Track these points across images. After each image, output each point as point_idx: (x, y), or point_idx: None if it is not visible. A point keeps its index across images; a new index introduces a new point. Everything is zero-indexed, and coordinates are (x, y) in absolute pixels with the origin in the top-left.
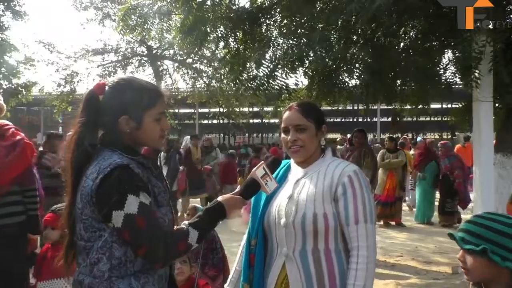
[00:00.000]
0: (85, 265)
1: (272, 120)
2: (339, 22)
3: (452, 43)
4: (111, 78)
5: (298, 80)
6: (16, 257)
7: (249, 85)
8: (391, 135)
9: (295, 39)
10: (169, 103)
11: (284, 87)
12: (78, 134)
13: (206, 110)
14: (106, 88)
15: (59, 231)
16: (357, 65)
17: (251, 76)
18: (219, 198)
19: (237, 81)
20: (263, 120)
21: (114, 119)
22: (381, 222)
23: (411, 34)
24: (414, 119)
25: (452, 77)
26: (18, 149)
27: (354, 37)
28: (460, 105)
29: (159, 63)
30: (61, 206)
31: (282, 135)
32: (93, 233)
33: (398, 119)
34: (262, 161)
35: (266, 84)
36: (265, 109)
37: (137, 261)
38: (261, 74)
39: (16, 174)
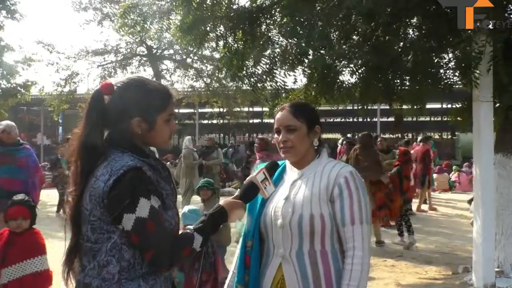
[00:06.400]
0: (92, 267)
1: (272, 120)
2: (338, 20)
3: (452, 43)
4: (116, 78)
5: (297, 78)
6: None
7: (247, 81)
8: (383, 136)
9: (294, 38)
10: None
11: (282, 85)
12: (86, 134)
13: (206, 110)
14: (115, 88)
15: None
16: (358, 63)
17: (249, 73)
18: (221, 202)
19: (236, 77)
20: (263, 120)
21: (126, 120)
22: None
23: (411, 33)
24: (414, 119)
25: (452, 77)
26: None
27: (354, 36)
28: (460, 105)
29: (158, 63)
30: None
31: (275, 135)
32: (102, 234)
33: (400, 119)
34: (263, 166)
35: (264, 82)
36: (264, 108)
37: (145, 262)
38: (259, 72)
39: None
